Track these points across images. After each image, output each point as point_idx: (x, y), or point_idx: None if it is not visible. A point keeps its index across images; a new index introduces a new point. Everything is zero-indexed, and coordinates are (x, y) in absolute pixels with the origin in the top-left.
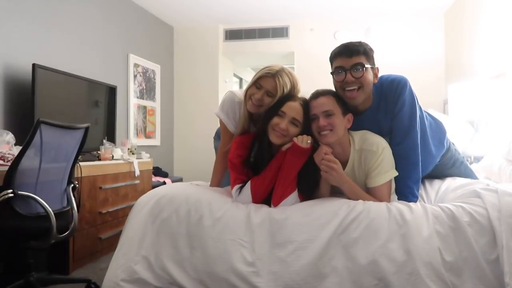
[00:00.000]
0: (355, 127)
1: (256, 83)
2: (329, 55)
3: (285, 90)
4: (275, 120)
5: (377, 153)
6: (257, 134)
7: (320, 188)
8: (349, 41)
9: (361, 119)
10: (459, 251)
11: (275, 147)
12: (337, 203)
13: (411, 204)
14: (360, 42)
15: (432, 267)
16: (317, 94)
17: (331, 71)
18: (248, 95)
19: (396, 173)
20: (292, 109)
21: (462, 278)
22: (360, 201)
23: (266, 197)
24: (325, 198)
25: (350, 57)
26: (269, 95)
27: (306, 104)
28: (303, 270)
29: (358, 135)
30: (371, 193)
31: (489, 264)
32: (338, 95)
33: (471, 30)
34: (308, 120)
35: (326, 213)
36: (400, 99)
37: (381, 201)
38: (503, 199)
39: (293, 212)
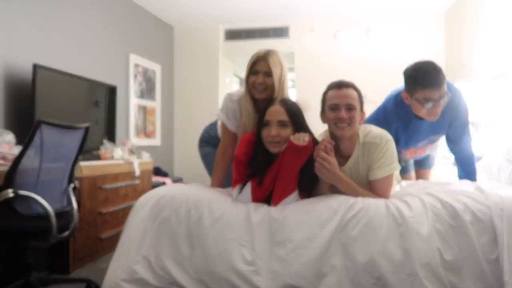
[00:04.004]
0: (415, 128)
1: (252, 70)
2: (330, 55)
3: (280, 69)
4: (264, 131)
5: (381, 146)
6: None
7: (320, 185)
8: (429, 69)
9: (423, 121)
10: (459, 249)
11: (274, 154)
12: (336, 201)
13: (410, 201)
14: (438, 70)
15: (431, 268)
16: (341, 85)
17: (414, 97)
18: (250, 84)
19: (399, 167)
20: (274, 113)
21: (462, 276)
22: (360, 198)
23: (266, 197)
24: (324, 196)
25: (439, 89)
26: (268, 75)
27: (287, 103)
28: (302, 269)
29: (361, 129)
30: (372, 186)
31: (489, 264)
32: (358, 89)
33: (472, 31)
34: (297, 117)
35: (325, 211)
36: (458, 108)
37: (381, 195)
38: (507, 197)
39: (292, 210)
